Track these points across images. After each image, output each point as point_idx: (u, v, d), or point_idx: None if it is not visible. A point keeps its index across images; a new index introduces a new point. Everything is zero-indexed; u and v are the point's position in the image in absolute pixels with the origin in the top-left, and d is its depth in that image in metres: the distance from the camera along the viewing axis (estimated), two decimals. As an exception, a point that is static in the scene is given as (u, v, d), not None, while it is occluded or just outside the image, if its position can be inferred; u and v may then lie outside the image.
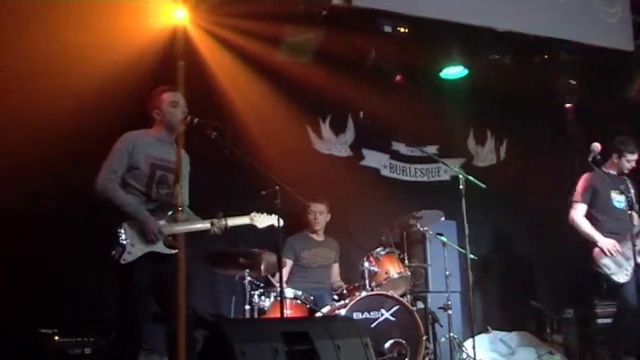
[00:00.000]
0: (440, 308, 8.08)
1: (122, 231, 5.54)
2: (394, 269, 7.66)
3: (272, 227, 6.22)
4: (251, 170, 6.23)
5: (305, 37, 8.10)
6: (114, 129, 6.08)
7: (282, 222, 6.19)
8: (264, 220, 6.24)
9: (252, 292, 7.24)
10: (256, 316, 7.18)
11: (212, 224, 5.91)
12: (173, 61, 6.83)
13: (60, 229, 7.17)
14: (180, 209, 5.90)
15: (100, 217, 5.68)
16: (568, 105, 10.10)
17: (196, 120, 5.90)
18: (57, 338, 6.47)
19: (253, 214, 6.23)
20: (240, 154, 5.96)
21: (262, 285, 7.42)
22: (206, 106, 6.66)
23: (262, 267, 7.29)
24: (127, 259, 5.49)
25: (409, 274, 7.83)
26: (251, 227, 6.28)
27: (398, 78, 5.92)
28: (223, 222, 5.95)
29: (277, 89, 8.54)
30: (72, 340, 6.51)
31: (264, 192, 6.18)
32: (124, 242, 5.51)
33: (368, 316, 7.16)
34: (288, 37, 8.07)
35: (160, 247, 5.68)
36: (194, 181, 6.17)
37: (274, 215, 6.20)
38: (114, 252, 5.47)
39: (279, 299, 6.83)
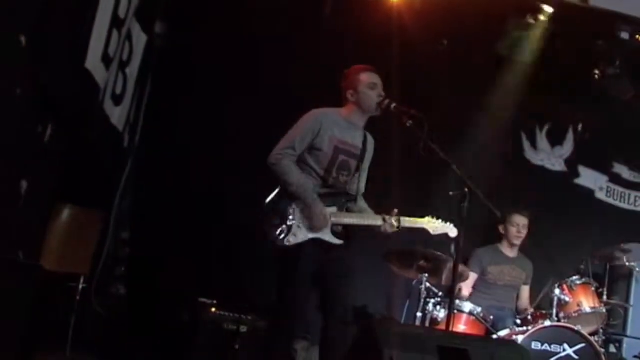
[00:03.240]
0: (635, 357, 7.58)
1: (291, 210, 5.51)
2: (587, 302, 7.23)
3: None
4: (443, 168, 6.06)
5: (530, 33, 7.86)
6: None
7: (456, 232, 5.94)
8: (437, 227, 6.00)
9: (428, 300, 7.05)
10: (427, 325, 7.04)
11: (384, 220, 5.73)
12: (380, 39, 6.87)
13: (234, 203, 7.41)
14: (354, 199, 5.87)
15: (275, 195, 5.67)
16: None
17: (393, 105, 5.69)
18: (213, 309, 6.61)
19: (428, 219, 6.01)
20: (435, 148, 5.77)
21: (439, 293, 7.21)
22: (406, 92, 6.55)
23: (444, 275, 7.10)
24: (291, 240, 5.44)
25: (604, 310, 7.37)
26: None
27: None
28: (395, 220, 5.76)
29: (491, 85, 8.33)
30: (229, 314, 6.61)
31: (451, 193, 6.00)
32: (291, 223, 5.48)
33: (548, 348, 6.77)
34: (511, 31, 7.84)
35: (327, 235, 5.58)
36: (378, 169, 6.11)
37: (449, 224, 5.99)
38: (278, 231, 5.45)
39: (455, 311, 6.64)
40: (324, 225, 5.55)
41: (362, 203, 5.94)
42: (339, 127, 5.72)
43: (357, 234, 5.95)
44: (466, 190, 5.73)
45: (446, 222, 6.02)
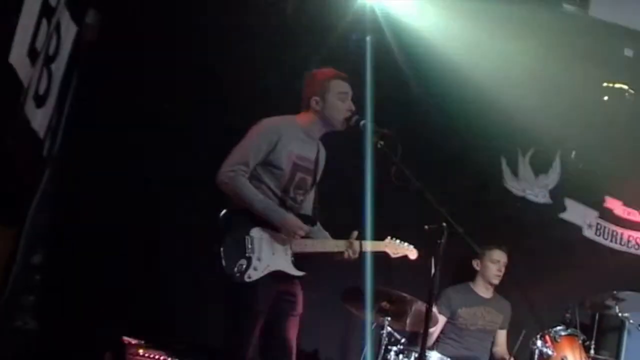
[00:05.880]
0: (625, 421, 7.75)
1: (249, 240, 5.50)
2: (573, 357, 7.33)
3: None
4: (417, 197, 6.09)
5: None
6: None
7: (416, 254, 6.13)
8: (397, 248, 6.14)
9: (389, 347, 7.08)
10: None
11: (349, 246, 5.76)
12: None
13: (168, 225, 7.39)
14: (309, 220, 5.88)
15: (222, 218, 5.65)
16: None
17: (362, 122, 5.72)
18: (141, 350, 6.54)
19: (387, 240, 6.14)
20: (408, 174, 5.79)
21: (402, 340, 7.23)
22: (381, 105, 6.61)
23: (408, 319, 7.15)
24: (252, 276, 5.43)
25: (592, 367, 7.54)
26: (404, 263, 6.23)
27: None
28: (357, 245, 5.78)
29: (473, 100, 8.46)
30: (159, 356, 6.56)
31: (426, 227, 6.05)
32: (250, 255, 5.47)
33: (526, 408, 6.94)
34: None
35: (287, 266, 5.63)
36: (343, 194, 6.11)
37: (409, 245, 6.15)
38: (237, 266, 5.41)
39: (420, 361, 6.68)
40: (298, 236, 5.61)
41: (319, 228, 5.98)
42: (298, 141, 5.75)
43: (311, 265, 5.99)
44: (444, 224, 5.78)
45: (404, 243, 6.16)
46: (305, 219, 5.75)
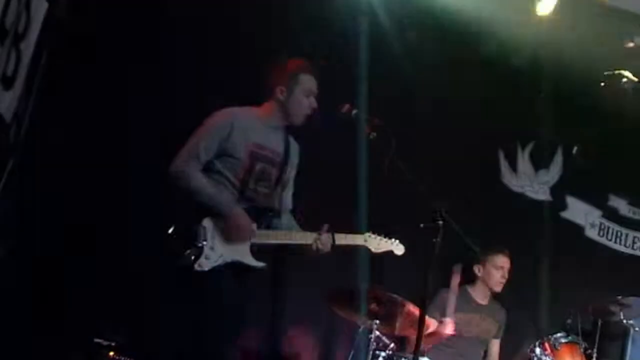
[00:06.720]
0: None
1: (201, 229, 5.55)
2: (573, 365, 7.39)
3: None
4: (413, 192, 6.07)
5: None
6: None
7: (402, 250, 6.21)
8: (380, 244, 6.20)
9: (377, 352, 7.05)
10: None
11: (317, 238, 5.85)
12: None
13: (143, 216, 7.26)
14: (277, 215, 5.96)
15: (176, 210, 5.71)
16: None
17: (354, 112, 5.85)
18: (111, 353, 6.55)
19: (368, 234, 6.18)
20: (402, 167, 5.78)
21: (391, 345, 7.22)
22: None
23: (398, 322, 7.14)
24: (202, 264, 5.49)
25: (593, 376, 7.55)
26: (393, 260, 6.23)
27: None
28: (329, 238, 5.88)
29: (469, 91, 8.44)
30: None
31: (422, 225, 6.03)
32: (202, 244, 5.52)
33: (523, 420, 6.94)
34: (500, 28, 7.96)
35: (244, 256, 5.67)
36: (330, 188, 6.08)
37: (394, 240, 6.21)
38: (186, 254, 5.48)
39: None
40: (245, 239, 5.64)
41: (289, 221, 6.09)
42: (254, 130, 5.85)
43: (291, 264, 5.96)
44: (440, 222, 5.78)
45: (388, 238, 6.23)
46: (264, 212, 5.85)
